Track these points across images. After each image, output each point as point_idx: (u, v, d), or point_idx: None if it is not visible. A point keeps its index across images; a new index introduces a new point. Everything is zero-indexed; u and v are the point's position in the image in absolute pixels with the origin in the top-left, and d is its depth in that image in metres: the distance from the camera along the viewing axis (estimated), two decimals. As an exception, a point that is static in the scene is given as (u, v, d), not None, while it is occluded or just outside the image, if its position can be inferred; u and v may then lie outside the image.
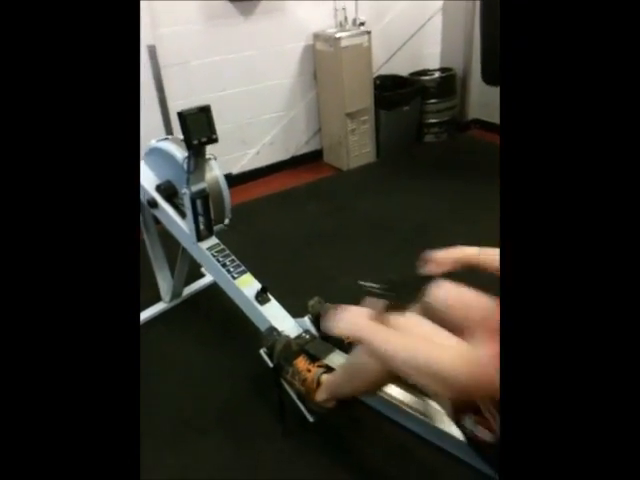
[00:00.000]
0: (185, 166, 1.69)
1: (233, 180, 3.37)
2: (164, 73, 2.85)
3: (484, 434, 1.00)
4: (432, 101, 3.63)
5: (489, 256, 1.18)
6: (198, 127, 1.59)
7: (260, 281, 1.80)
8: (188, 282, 2.29)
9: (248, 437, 1.64)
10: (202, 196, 1.76)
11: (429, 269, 1.27)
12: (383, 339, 1.01)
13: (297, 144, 3.56)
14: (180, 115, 1.56)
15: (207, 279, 2.34)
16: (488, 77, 3.06)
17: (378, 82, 3.56)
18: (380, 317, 1.08)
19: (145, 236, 2.12)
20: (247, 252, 2.58)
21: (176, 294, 2.23)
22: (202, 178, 1.75)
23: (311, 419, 1.55)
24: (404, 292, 1.16)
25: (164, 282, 2.21)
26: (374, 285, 1.16)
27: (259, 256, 2.57)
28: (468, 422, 1.04)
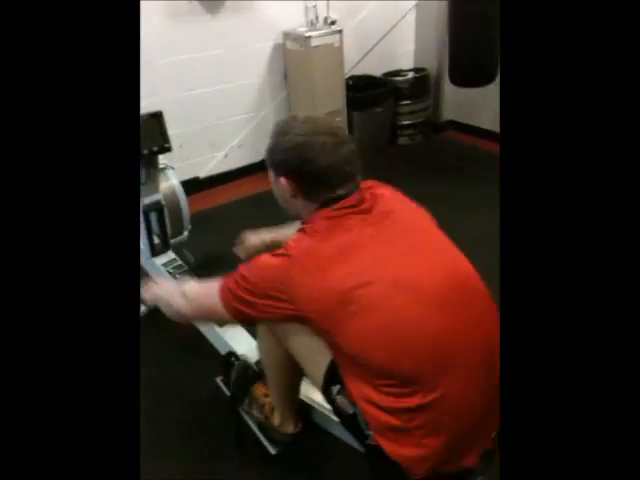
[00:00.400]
0: (136, 177, 1.57)
1: (200, 184, 3.25)
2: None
3: (345, 405, 1.07)
4: (405, 102, 3.54)
5: (280, 235, 1.51)
6: (149, 135, 1.48)
7: None
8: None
9: (203, 465, 1.52)
10: (156, 209, 1.64)
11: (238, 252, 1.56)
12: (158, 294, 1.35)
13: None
14: (128, 123, 1.44)
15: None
16: (455, 78, 3.01)
17: (351, 82, 3.45)
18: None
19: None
20: (214, 261, 2.49)
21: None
22: (156, 189, 1.64)
23: (273, 451, 1.45)
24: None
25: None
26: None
27: (227, 265, 2.45)
28: (334, 394, 1.10)
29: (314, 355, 1.12)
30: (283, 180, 1.09)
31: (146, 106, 2.83)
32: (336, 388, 1.09)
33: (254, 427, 1.46)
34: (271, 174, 1.13)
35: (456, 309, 1.01)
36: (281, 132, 1.11)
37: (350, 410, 1.07)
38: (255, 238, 1.56)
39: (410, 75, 3.60)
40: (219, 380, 1.52)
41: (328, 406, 1.18)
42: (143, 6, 2.61)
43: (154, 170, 1.57)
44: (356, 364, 1.01)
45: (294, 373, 1.27)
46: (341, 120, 3.30)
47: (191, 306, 1.23)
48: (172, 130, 2.98)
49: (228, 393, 1.48)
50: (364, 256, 1.02)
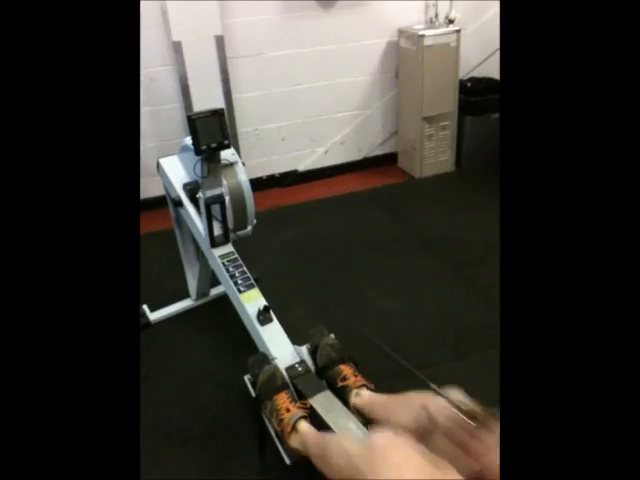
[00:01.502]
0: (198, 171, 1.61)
1: (298, 177, 3.29)
2: (234, 64, 2.80)
3: None
4: (527, 110, 3.24)
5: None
6: (209, 131, 1.50)
7: (284, 291, 1.70)
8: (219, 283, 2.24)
9: (228, 462, 1.54)
10: (217, 202, 1.67)
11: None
12: None
13: (371, 145, 3.38)
14: (189, 119, 1.48)
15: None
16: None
17: (469, 85, 3.25)
18: None
19: (177, 232, 2.10)
20: (285, 256, 2.52)
21: (202, 294, 2.19)
22: (218, 183, 1.67)
23: (288, 461, 1.42)
24: None
25: (192, 280, 2.18)
26: None
27: (296, 261, 2.47)
28: None
29: None
30: None
31: (251, 98, 2.95)
32: None
33: (272, 433, 1.44)
34: None
35: None
36: None
37: None
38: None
39: (537, 80, 3.28)
40: (247, 379, 1.52)
41: None
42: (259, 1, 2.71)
43: (215, 165, 1.60)
44: None
45: None
46: (449, 124, 3.13)
47: None
48: (275, 123, 3.09)
49: (253, 394, 1.48)
50: None
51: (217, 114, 1.49)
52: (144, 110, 2.78)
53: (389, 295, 2.18)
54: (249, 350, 1.89)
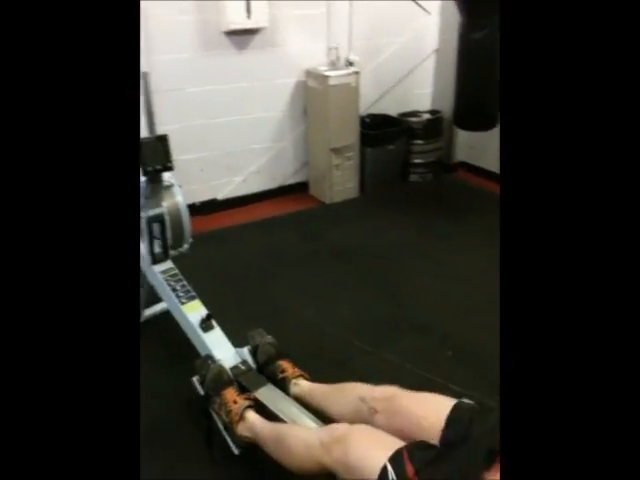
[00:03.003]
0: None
1: (218, 205, 3.47)
2: (157, 98, 2.95)
3: None
4: (418, 142, 3.70)
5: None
6: (154, 155, 1.67)
7: (216, 306, 1.85)
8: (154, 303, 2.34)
9: (172, 460, 1.65)
10: (158, 221, 1.83)
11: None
12: None
13: (284, 175, 3.65)
14: (137, 144, 1.64)
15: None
16: (459, 121, 3.20)
17: (368, 120, 3.65)
18: None
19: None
20: (211, 275, 2.68)
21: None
22: (159, 204, 1.83)
23: (236, 451, 1.57)
24: None
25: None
26: None
27: (222, 279, 2.65)
28: None
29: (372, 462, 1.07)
30: None
31: (173, 130, 3.10)
32: None
33: (221, 427, 1.59)
34: None
35: None
36: None
37: None
38: None
39: (424, 116, 3.77)
40: (195, 380, 1.66)
41: None
42: (178, 37, 2.91)
43: (158, 186, 1.76)
44: None
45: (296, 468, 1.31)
46: (353, 154, 3.49)
47: None
48: (195, 154, 3.27)
49: (202, 392, 1.62)
50: None
51: (161, 140, 1.67)
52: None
53: (310, 304, 2.43)
54: (185, 363, 2.03)
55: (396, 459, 1.02)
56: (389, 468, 1.01)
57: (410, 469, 1.00)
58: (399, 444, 1.07)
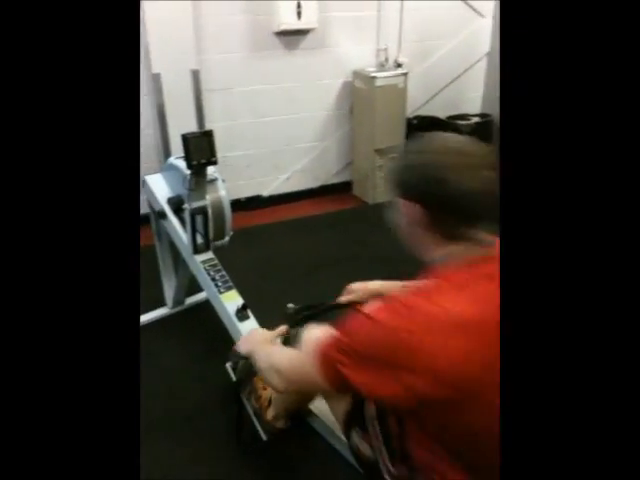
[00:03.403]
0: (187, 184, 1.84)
1: (262, 202, 3.55)
2: (207, 97, 3.06)
3: (365, 449, 1.08)
4: (466, 145, 3.65)
5: (389, 287, 1.45)
6: (199, 149, 1.73)
7: (252, 298, 1.91)
8: (194, 292, 2.43)
9: (206, 443, 1.72)
10: (201, 212, 1.90)
11: (344, 298, 1.53)
12: (261, 352, 1.25)
13: (328, 174, 3.69)
14: (184, 137, 1.71)
15: (210, 291, 2.48)
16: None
17: (415, 122, 3.63)
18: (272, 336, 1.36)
19: (156, 244, 2.29)
20: (252, 270, 2.75)
21: (178, 301, 2.38)
22: (202, 196, 1.89)
23: (264, 437, 1.62)
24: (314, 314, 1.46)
25: (169, 289, 2.37)
26: (291, 307, 1.52)
27: (262, 276, 2.70)
28: (355, 436, 1.12)
29: (340, 396, 1.17)
30: (409, 205, 0.93)
31: (221, 127, 3.21)
32: (357, 432, 1.12)
33: (251, 413, 1.64)
34: (396, 199, 0.97)
35: None
36: (415, 150, 0.98)
37: (370, 454, 1.08)
38: (364, 287, 1.50)
39: (474, 120, 3.72)
40: (228, 366, 1.72)
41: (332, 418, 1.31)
42: (229, 37, 3.00)
43: (202, 179, 1.83)
44: (443, 445, 0.95)
45: (308, 400, 1.42)
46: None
47: (285, 381, 1.09)
48: (242, 151, 3.36)
49: (234, 378, 1.68)
50: (488, 341, 0.81)
51: (207, 135, 1.73)
52: (119, 135, 2.98)
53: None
54: (222, 351, 2.10)
55: None
56: None
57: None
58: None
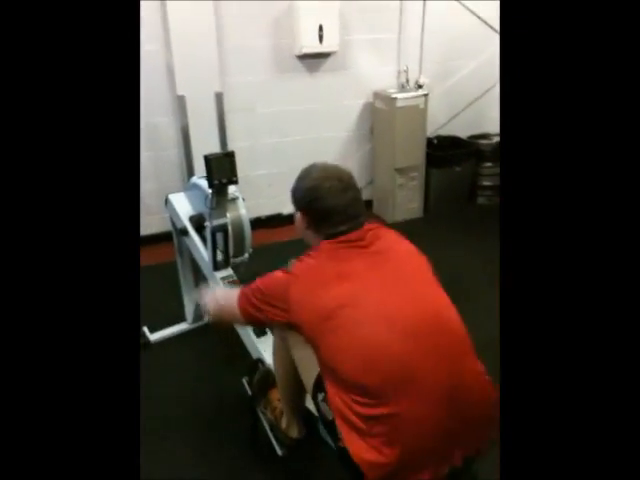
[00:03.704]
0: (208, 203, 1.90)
1: (282, 220, 3.60)
2: (230, 117, 3.15)
3: (327, 411, 1.23)
4: (488, 164, 3.67)
5: None
6: (221, 169, 1.79)
7: None
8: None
9: (221, 453, 1.74)
10: (221, 230, 1.95)
11: None
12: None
13: (349, 192, 3.72)
14: (206, 158, 1.77)
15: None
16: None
17: (435, 142, 3.67)
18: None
19: (178, 260, 2.35)
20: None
21: (198, 317, 2.42)
22: (223, 214, 1.95)
23: (280, 452, 1.64)
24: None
25: (190, 304, 2.42)
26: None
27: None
28: (320, 400, 1.25)
29: (309, 365, 1.31)
30: (299, 215, 1.37)
31: (244, 147, 3.29)
32: (321, 395, 1.26)
33: (267, 427, 1.66)
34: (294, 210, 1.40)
35: (425, 339, 1.16)
36: (301, 176, 1.40)
37: (330, 416, 1.23)
38: None
39: (495, 139, 3.73)
40: (244, 381, 1.75)
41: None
42: (253, 60, 3.09)
43: (223, 198, 1.89)
44: (333, 374, 1.20)
45: (299, 382, 1.47)
46: (417, 175, 3.51)
47: (218, 308, 1.51)
48: (263, 170, 3.43)
49: (250, 392, 1.71)
50: (355, 283, 1.22)
51: (228, 155, 1.79)
52: (146, 155, 3.08)
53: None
54: (240, 364, 2.13)
55: None
56: None
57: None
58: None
